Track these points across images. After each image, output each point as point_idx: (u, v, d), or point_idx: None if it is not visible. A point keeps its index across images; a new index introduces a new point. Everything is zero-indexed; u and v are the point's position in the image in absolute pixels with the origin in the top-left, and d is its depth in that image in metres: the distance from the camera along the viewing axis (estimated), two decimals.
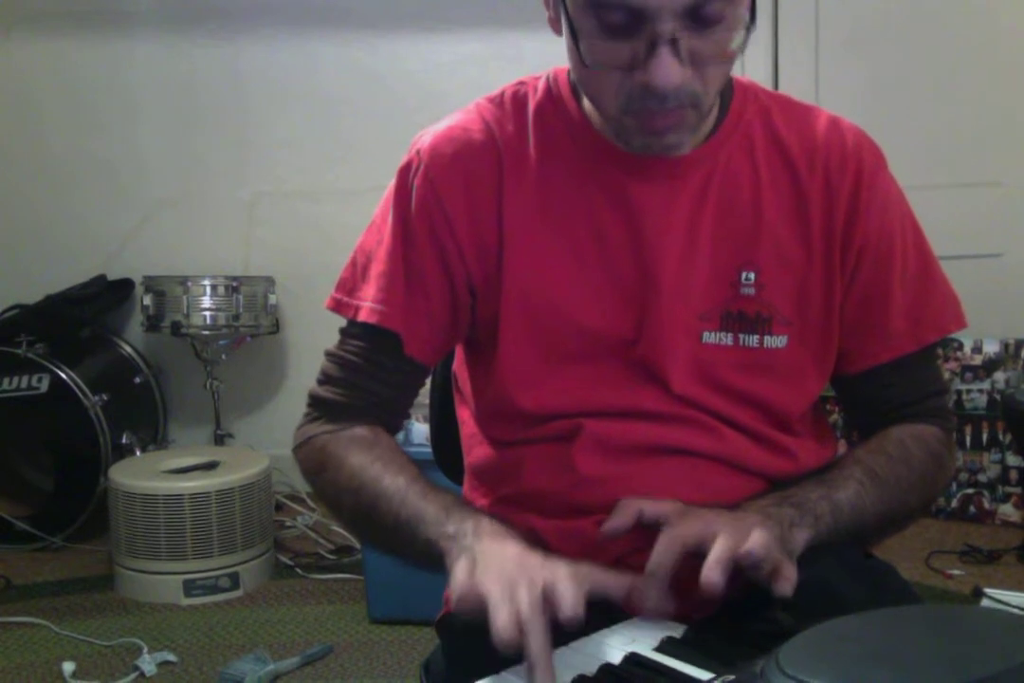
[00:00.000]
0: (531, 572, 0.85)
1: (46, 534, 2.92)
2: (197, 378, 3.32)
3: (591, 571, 0.89)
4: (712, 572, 0.85)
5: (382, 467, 1.04)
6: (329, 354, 1.13)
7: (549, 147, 1.06)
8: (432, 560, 0.94)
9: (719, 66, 0.94)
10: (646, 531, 0.97)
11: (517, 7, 3.09)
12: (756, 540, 0.87)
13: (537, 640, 0.79)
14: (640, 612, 0.90)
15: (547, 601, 0.82)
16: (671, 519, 0.96)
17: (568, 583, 0.83)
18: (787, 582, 0.87)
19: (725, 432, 1.06)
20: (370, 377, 1.10)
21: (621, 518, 0.98)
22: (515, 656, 0.81)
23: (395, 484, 1.01)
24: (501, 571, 0.85)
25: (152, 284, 3.13)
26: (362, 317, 1.08)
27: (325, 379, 1.13)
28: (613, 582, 0.89)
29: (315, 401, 1.13)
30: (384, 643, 2.36)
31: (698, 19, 0.89)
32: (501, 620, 0.80)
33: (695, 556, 0.89)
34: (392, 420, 1.14)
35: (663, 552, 0.90)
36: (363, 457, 1.05)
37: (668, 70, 0.89)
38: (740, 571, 0.88)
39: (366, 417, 1.11)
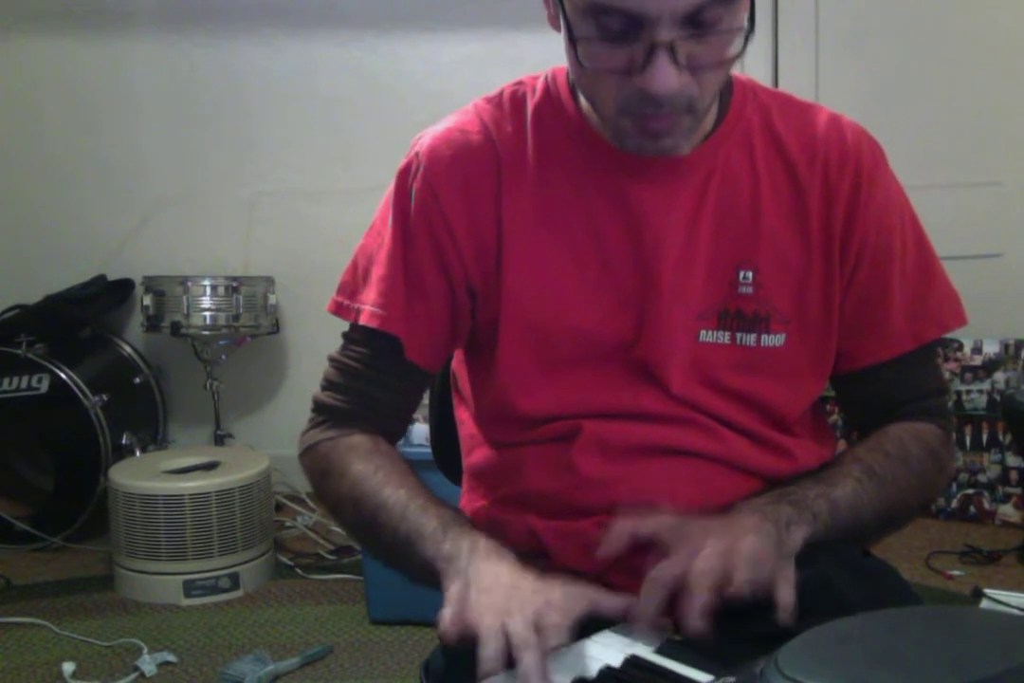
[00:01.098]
0: (522, 600, 0.85)
1: (46, 534, 2.92)
2: (197, 378, 3.32)
3: (585, 592, 0.88)
4: (695, 622, 0.85)
5: (383, 478, 1.04)
6: (332, 359, 1.13)
7: (548, 148, 1.06)
8: (429, 578, 0.95)
9: (716, 71, 0.93)
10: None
11: (517, 7, 3.09)
12: (742, 576, 0.87)
13: (531, 659, 0.79)
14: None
15: (537, 630, 0.82)
16: (663, 538, 0.95)
17: (558, 614, 0.83)
18: (787, 588, 0.87)
19: (724, 433, 1.06)
20: (371, 383, 1.10)
21: (614, 542, 0.97)
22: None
23: (395, 497, 1.01)
24: (491, 601, 0.86)
25: (152, 284, 3.12)
26: (363, 321, 1.08)
27: (328, 385, 1.13)
28: (608, 603, 0.88)
29: (318, 407, 1.14)
30: (384, 643, 2.36)
31: (696, 25, 0.88)
32: (487, 654, 0.81)
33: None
34: (394, 426, 1.14)
35: (648, 598, 0.88)
36: (364, 466, 1.06)
37: (666, 77, 0.89)
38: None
39: (367, 423, 1.11)
